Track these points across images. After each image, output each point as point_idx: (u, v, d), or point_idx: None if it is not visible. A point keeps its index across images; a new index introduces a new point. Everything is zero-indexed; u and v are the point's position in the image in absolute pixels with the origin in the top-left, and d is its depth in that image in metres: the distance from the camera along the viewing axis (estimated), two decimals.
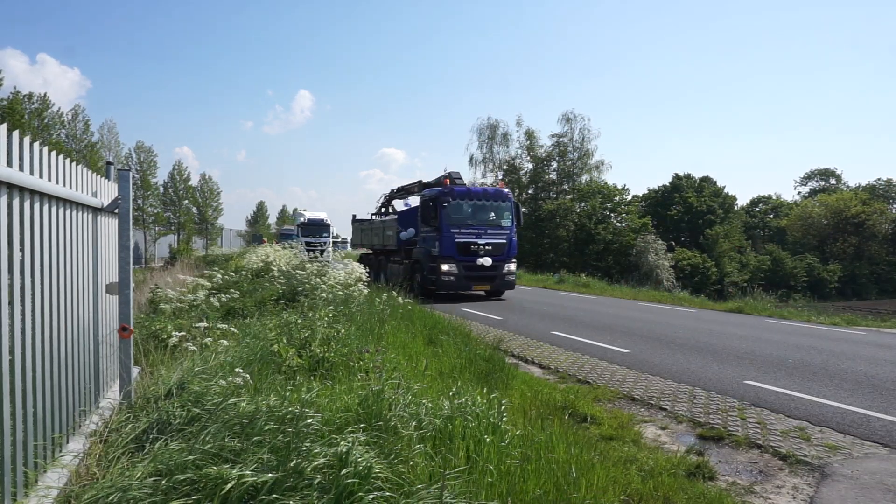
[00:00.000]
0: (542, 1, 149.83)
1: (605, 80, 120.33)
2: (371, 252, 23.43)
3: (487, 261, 16.28)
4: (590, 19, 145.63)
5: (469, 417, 3.88)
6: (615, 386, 6.95)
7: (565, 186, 49.89)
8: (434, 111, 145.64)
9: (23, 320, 2.76)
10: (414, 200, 21.17)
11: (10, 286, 2.61)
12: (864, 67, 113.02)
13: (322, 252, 32.14)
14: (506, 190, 17.73)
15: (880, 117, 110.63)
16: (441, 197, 16.47)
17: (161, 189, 50.13)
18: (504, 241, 16.73)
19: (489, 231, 16.64)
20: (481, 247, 16.30)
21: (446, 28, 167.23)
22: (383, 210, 24.53)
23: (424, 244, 16.92)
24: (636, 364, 8.14)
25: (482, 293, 17.15)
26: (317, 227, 38.04)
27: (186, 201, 52.86)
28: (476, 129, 51.67)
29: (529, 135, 50.19)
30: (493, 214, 16.96)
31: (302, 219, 38.44)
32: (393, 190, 23.86)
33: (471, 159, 51.10)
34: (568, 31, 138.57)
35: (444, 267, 16.04)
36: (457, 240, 16.15)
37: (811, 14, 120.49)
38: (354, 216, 26.05)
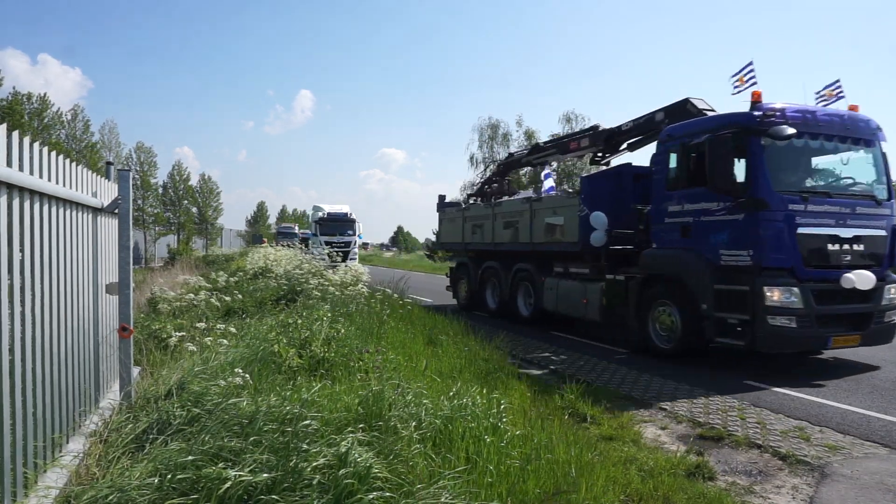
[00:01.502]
0: (542, 1, 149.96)
1: (605, 80, 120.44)
2: (483, 257, 13.55)
3: (867, 280, 7.25)
4: (590, 19, 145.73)
5: (469, 417, 3.89)
6: (615, 386, 6.95)
7: (565, 186, 49.89)
8: (434, 111, 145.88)
9: (23, 320, 2.76)
10: (536, 180, 15.15)
11: (10, 286, 2.61)
12: (864, 67, 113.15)
13: (346, 255, 26.18)
14: (868, 118, 8.11)
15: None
16: (760, 127, 7.28)
17: (161, 189, 50.17)
18: (882, 231, 7.85)
19: (857, 210, 7.67)
20: (848, 246, 7.50)
21: (447, 28, 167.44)
22: (488, 188, 15.58)
23: (698, 237, 7.89)
24: (635, 364, 8.13)
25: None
26: (340, 224, 29.59)
27: (186, 201, 52.89)
28: (477, 129, 51.54)
29: (530, 135, 50.18)
30: (851, 171, 8.06)
31: (321, 213, 30.28)
32: (513, 154, 15.30)
33: (471, 158, 50.99)
34: (568, 31, 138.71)
35: (775, 295, 7.11)
36: (799, 229, 7.26)
37: (811, 14, 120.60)
38: (442, 198, 16.30)
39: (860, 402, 6.18)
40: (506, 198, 14.35)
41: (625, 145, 11.31)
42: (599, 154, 12.04)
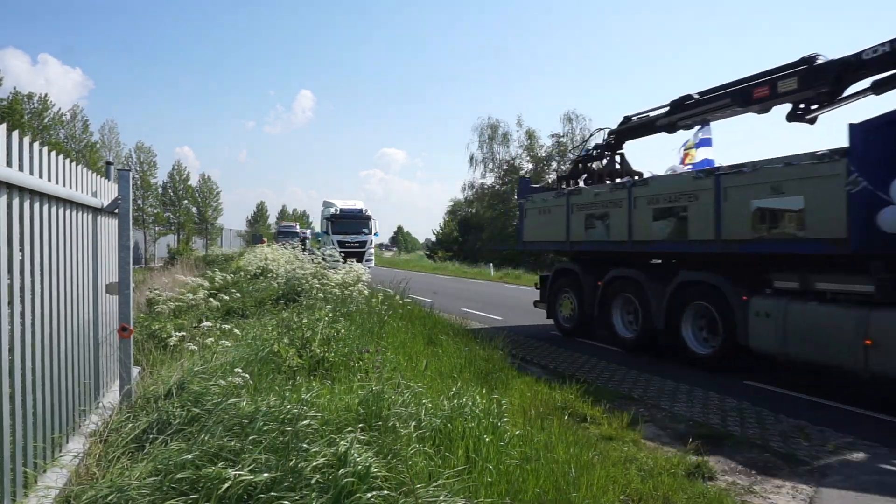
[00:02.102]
0: (544, 1, 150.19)
1: (605, 80, 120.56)
2: (607, 262, 9.79)
3: None
4: (591, 19, 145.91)
5: (468, 417, 3.89)
6: (615, 386, 6.95)
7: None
8: (435, 111, 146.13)
9: (23, 320, 2.76)
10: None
11: (10, 286, 2.61)
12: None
13: (362, 256, 24.13)
14: None
15: None
16: None
17: (160, 189, 50.20)
18: None
19: None
20: None
21: (447, 28, 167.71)
22: (582, 166, 11.81)
23: None
24: (636, 364, 8.14)
25: None
26: (354, 221, 26.68)
27: (186, 201, 52.92)
28: (476, 129, 51.63)
29: (530, 135, 50.23)
30: None
31: (333, 209, 27.14)
32: (631, 117, 10.80)
33: (471, 159, 51.10)
34: (570, 30, 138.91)
35: None
36: None
37: (811, 14, 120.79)
38: (526, 180, 13.66)
39: (860, 402, 6.18)
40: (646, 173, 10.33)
41: (867, 83, 7.37)
42: (802, 106, 8.12)
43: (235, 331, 6.26)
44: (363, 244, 25.81)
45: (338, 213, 26.86)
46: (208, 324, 6.29)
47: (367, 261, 24.05)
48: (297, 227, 53.59)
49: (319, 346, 5.64)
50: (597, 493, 3.44)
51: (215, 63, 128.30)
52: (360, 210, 27.40)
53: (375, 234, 27.27)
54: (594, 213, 9.75)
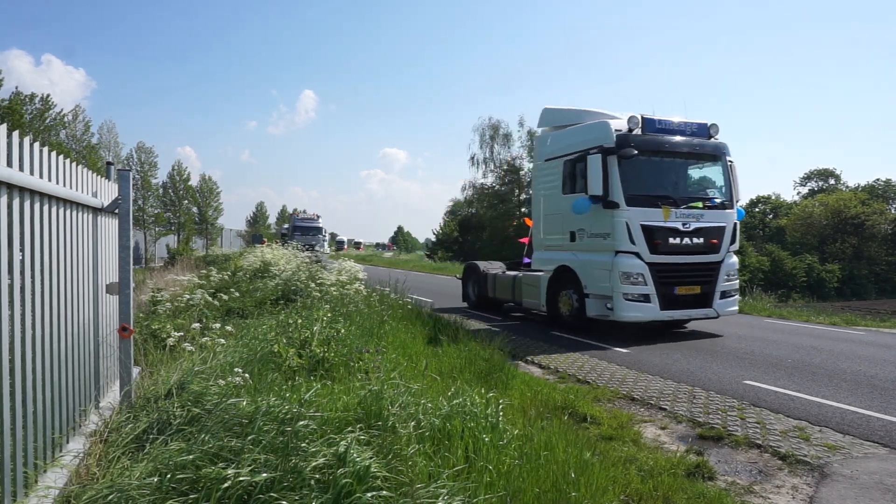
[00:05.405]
0: (544, 4, 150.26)
1: (606, 81, 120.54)
2: None
3: None
4: (592, 21, 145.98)
5: (468, 417, 3.89)
6: (615, 386, 6.95)
7: None
8: (437, 112, 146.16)
9: (23, 320, 2.76)
10: None
11: (11, 286, 2.61)
12: (863, 68, 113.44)
13: (714, 284, 10.11)
14: None
15: (880, 118, 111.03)
16: None
17: (161, 189, 50.23)
18: None
19: None
20: None
21: (449, 30, 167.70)
22: None
23: None
24: (636, 364, 8.14)
25: None
26: (682, 158, 10.34)
27: (186, 201, 52.93)
28: (477, 129, 51.69)
29: (532, 135, 50.31)
30: None
31: (613, 128, 9.74)
32: None
33: (472, 159, 51.23)
34: (571, 33, 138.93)
35: None
36: None
37: (811, 14, 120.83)
38: None
39: (860, 402, 6.18)
40: None
41: None
42: None
43: (229, 328, 6.26)
44: (717, 237, 10.45)
45: (624, 136, 9.82)
46: (201, 325, 6.30)
47: (728, 305, 10.48)
48: (320, 220, 41.89)
49: (319, 346, 5.64)
50: (597, 493, 3.44)
51: (218, 63, 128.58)
52: (705, 126, 10.75)
53: (739, 210, 11.55)
54: None
